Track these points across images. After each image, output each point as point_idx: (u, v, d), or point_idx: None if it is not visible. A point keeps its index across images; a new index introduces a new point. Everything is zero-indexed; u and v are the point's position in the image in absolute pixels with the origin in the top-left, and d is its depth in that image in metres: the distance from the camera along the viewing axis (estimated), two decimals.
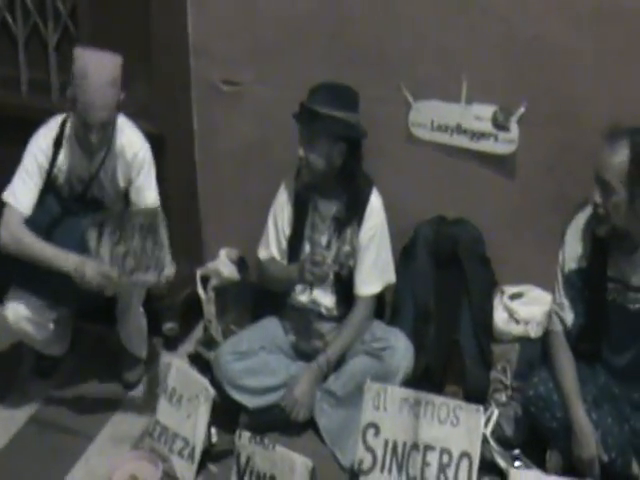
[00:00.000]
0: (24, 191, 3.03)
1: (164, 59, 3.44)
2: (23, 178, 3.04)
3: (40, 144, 3.08)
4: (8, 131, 3.56)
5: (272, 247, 3.28)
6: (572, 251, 2.91)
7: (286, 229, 3.26)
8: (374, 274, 3.19)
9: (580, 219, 2.93)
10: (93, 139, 2.97)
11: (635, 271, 2.83)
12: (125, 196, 3.17)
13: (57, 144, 3.08)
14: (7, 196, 3.03)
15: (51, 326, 3.20)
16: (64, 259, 2.95)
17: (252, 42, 3.53)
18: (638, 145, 2.66)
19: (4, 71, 3.67)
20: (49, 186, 3.09)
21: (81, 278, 2.91)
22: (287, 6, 3.44)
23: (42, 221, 3.06)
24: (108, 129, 3.03)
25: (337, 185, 3.15)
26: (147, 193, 3.14)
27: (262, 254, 3.32)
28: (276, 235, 3.28)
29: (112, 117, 3.00)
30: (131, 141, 3.13)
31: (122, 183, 3.16)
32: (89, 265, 2.91)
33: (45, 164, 3.07)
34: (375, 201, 3.19)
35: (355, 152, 3.11)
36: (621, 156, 2.66)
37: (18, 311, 3.10)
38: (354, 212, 3.16)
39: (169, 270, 2.99)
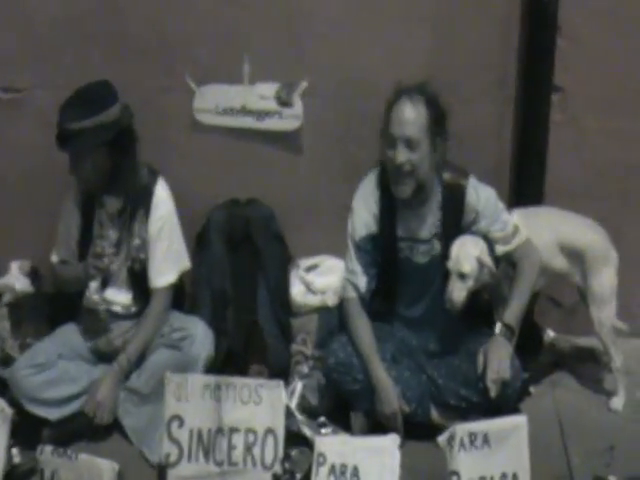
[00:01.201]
0: None
1: None
2: None
3: None
4: None
5: (61, 250, 3.21)
6: (360, 218, 2.97)
7: (74, 231, 3.18)
8: (167, 264, 3.15)
9: (365, 186, 3.00)
10: None
11: (423, 224, 2.93)
12: None
13: None
14: None
15: None
16: None
17: (28, 45, 3.43)
18: (432, 98, 2.78)
19: None
20: None
21: None
22: (60, 6, 3.37)
23: None
24: None
25: (117, 181, 3.08)
26: None
27: (54, 258, 3.24)
28: (65, 238, 3.20)
29: None
30: None
31: None
32: None
33: None
34: (161, 191, 3.14)
35: (122, 146, 3.04)
36: (420, 111, 2.76)
37: None
38: (139, 205, 3.11)
39: None
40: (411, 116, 2.76)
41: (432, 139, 2.79)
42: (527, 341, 3.06)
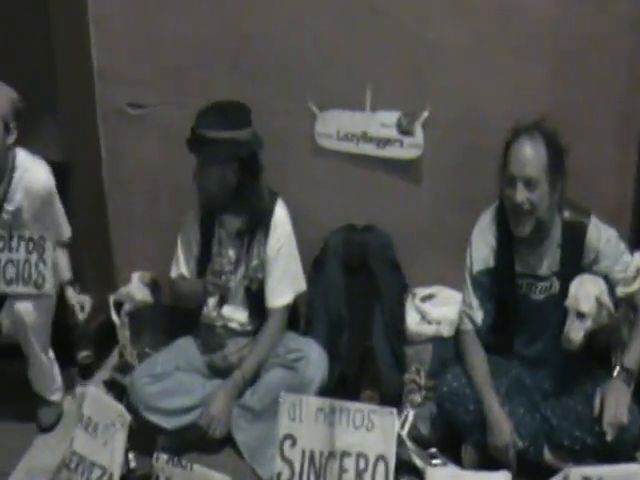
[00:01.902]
0: None
1: (69, 86, 3.41)
2: None
3: None
4: None
5: (181, 266, 3.29)
6: (478, 252, 2.97)
7: (194, 248, 3.27)
8: (284, 285, 3.20)
9: (484, 220, 3.01)
10: None
11: (541, 261, 2.92)
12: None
13: None
14: None
15: None
16: None
17: (156, 63, 3.54)
18: (551, 137, 2.78)
19: None
20: None
21: None
22: (189, 27, 3.46)
23: None
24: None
25: (239, 201, 3.15)
26: (62, 229, 3.22)
27: (173, 273, 3.32)
28: (185, 254, 3.29)
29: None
30: (36, 178, 3.12)
31: (28, 219, 3.15)
32: None
33: None
34: (280, 213, 3.20)
35: (251, 167, 3.11)
36: (539, 150, 2.76)
37: None
38: (258, 225, 3.18)
39: (49, 287, 3.05)
40: (531, 156, 2.76)
41: (551, 178, 2.78)
42: None
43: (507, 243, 2.93)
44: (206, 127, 3.02)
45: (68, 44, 3.41)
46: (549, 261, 2.92)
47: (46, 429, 3.32)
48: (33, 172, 3.12)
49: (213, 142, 3.01)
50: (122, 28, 3.53)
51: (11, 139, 3.03)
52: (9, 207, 3.12)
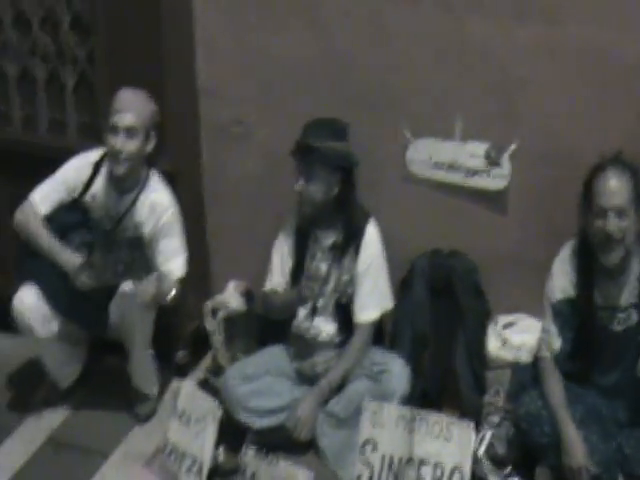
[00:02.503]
0: (46, 195, 3.32)
1: (175, 101, 3.63)
2: (51, 185, 3.33)
3: (78, 163, 3.36)
4: (26, 167, 3.73)
5: (275, 278, 3.44)
6: (559, 282, 3.09)
7: (288, 261, 3.42)
8: (372, 301, 3.34)
9: (565, 251, 3.12)
10: (119, 171, 3.23)
11: (621, 292, 3.02)
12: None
13: (95, 169, 3.34)
14: (32, 194, 3.33)
15: (55, 326, 3.36)
16: (66, 256, 3.21)
17: (258, 84, 3.71)
18: (634, 169, 2.91)
19: (24, 112, 3.87)
20: (83, 215, 3.36)
21: (76, 278, 3.16)
22: (291, 50, 3.62)
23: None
24: (135, 166, 3.29)
25: (335, 216, 3.31)
26: (172, 264, 3.37)
27: (267, 285, 3.46)
28: (279, 267, 3.44)
29: (139, 150, 3.26)
30: (162, 199, 3.38)
31: (147, 234, 3.37)
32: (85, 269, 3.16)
33: (75, 182, 3.34)
34: (372, 230, 3.34)
35: (349, 180, 3.28)
36: (625, 181, 2.89)
37: (23, 300, 3.29)
38: (351, 241, 3.32)
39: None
40: (619, 186, 2.88)
41: (637, 207, 2.90)
42: None
43: (588, 274, 3.04)
44: (312, 137, 3.20)
45: (176, 64, 3.64)
46: (628, 292, 3.00)
47: (142, 421, 3.53)
48: (159, 194, 3.38)
49: (319, 150, 3.18)
50: (225, 49, 3.70)
51: (150, 147, 3.31)
52: (131, 220, 3.36)
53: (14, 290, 3.35)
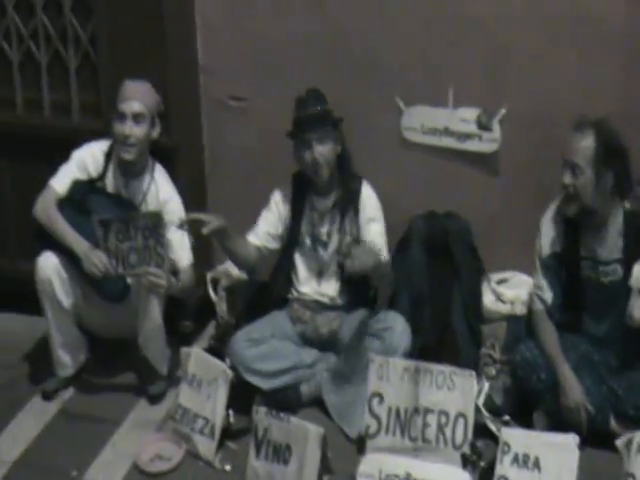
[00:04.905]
0: (65, 179, 3.43)
1: (177, 78, 3.73)
2: (70, 169, 3.45)
3: (92, 150, 3.48)
4: (32, 148, 3.87)
5: (259, 235, 3.49)
6: (546, 238, 3.22)
7: (279, 226, 3.50)
8: (380, 241, 3.39)
9: (552, 208, 3.24)
10: (129, 155, 3.36)
11: (602, 246, 3.14)
12: None
13: (107, 156, 3.48)
14: (52, 181, 3.44)
15: (79, 292, 3.46)
16: (77, 242, 3.33)
17: (255, 60, 3.82)
18: (602, 133, 3.01)
19: (27, 93, 3.93)
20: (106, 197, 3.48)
21: (87, 263, 3.27)
22: (286, 27, 3.73)
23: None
24: (142, 151, 3.42)
25: (331, 179, 3.41)
26: (181, 253, 3.48)
27: (251, 238, 3.49)
28: (265, 228, 3.50)
29: (145, 135, 3.39)
30: (169, 193, 3.52)
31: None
32: (96, 254, 3.27)
33: (93, 166, 3.46)
34: (367, 191, 3.45)
35: (341, 136, 3.40)
36: (588, 142, 3.01)
37: (48, 260, 3.40)
38: (349, 203, 3.42)
39: (169, 265, 3.34)
40: (578, 145, 3.01)
41: (597, 169, 3.00)
42: None
43: (573, 230, 3.17)
44: (313, 105, 3.33)
45: (177, 42, 3.73)
46: (611, 248, 3.12)
47: (154, 401, 3.57)
48: (165, 187, 3.52)
49: (319, 116, 3.32)
50: (224, 27, 3.81)
51: (155, 133, 3.44)
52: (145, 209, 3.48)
53: (34, 257, 3.43)
